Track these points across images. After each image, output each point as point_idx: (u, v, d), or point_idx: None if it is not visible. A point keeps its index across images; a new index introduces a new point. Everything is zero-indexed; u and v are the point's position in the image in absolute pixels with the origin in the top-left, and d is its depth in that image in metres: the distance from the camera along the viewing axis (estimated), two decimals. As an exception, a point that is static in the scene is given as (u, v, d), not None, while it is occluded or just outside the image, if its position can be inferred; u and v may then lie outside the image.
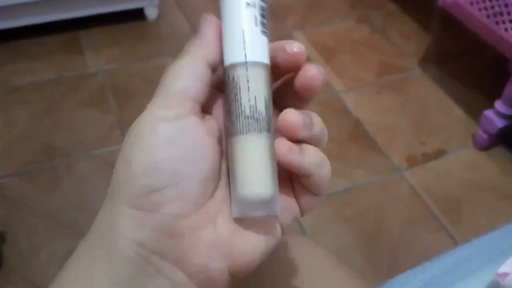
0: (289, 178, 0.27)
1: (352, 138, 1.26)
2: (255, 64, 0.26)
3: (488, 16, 1.13)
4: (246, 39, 0.26)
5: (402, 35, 1.58)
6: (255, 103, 0.26)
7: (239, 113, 0.26)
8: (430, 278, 0.43)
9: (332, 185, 1.14)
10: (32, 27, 1.42)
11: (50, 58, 1.42)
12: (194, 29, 1.54)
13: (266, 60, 0.27)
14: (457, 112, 1.34)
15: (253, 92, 0.26)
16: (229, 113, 0.26)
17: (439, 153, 1.23)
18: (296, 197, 0.27)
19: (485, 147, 1.23)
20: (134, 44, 1.48)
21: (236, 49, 0.27)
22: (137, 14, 1.53)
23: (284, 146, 0.25)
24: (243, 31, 0.26)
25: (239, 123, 0.26)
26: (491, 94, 1.22)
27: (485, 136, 1.20)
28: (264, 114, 0.26)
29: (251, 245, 0.26)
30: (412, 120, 1.31)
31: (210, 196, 0.26)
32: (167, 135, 0.24)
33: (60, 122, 1.25)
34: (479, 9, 1.15)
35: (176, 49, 1.44)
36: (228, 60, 0.27)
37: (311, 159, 0.26)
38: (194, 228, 0.25)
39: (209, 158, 0.26)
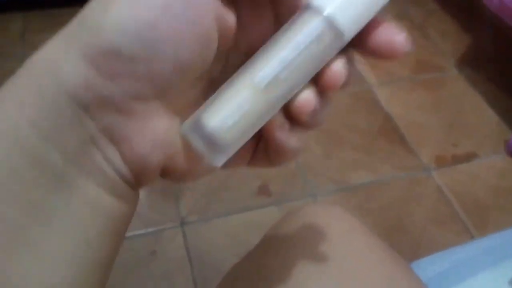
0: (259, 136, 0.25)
1: (381, 132, 1.24)
2: (335, 28, 0.22)
3: (534, 19, 1.10)
4: None
5: (441, 33, 1.55)
6: (298, 67, 0.22)
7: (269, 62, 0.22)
8: (458, 261, 0.43)
9: (356, 176, 1.13)
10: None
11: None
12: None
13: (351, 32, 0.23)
14: (491, 117, 1.30)
15: (306, 56, 0.22)
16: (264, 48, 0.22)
17: (469, 156, 1.20)
18: (253, 153, 0.25)
19: (518, 154, 1.20)
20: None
21: None
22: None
23: (276, 119, 0.23)
24: None
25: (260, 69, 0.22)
26: (529, 100, 1.19)
27: (519, 142, 1.17)
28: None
29: (190, 159, 0.23)
30: (445, 120, 1.29)
31: (182, 92, 0.22)
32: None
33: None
34: (526, 11, 1.12)
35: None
36: None
37: (293, 144, 0.24)
38: (148, 114, 0.21)
39: (199, 52, 0.21)
